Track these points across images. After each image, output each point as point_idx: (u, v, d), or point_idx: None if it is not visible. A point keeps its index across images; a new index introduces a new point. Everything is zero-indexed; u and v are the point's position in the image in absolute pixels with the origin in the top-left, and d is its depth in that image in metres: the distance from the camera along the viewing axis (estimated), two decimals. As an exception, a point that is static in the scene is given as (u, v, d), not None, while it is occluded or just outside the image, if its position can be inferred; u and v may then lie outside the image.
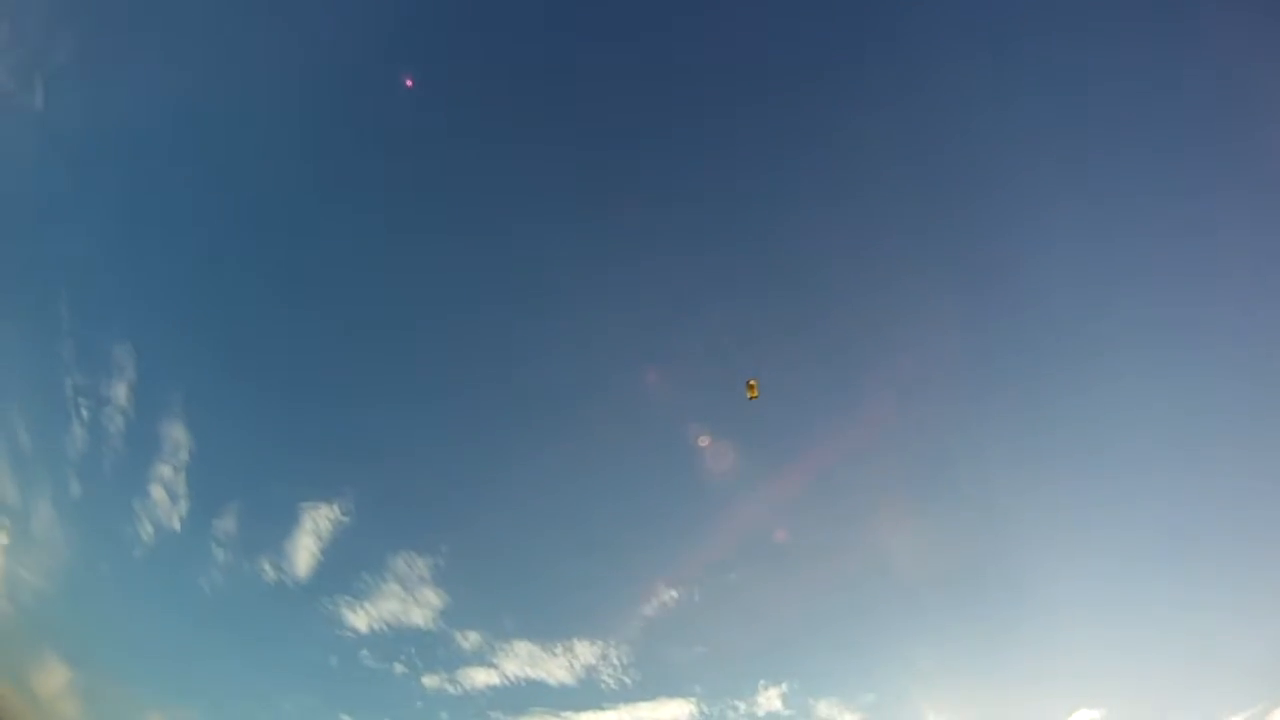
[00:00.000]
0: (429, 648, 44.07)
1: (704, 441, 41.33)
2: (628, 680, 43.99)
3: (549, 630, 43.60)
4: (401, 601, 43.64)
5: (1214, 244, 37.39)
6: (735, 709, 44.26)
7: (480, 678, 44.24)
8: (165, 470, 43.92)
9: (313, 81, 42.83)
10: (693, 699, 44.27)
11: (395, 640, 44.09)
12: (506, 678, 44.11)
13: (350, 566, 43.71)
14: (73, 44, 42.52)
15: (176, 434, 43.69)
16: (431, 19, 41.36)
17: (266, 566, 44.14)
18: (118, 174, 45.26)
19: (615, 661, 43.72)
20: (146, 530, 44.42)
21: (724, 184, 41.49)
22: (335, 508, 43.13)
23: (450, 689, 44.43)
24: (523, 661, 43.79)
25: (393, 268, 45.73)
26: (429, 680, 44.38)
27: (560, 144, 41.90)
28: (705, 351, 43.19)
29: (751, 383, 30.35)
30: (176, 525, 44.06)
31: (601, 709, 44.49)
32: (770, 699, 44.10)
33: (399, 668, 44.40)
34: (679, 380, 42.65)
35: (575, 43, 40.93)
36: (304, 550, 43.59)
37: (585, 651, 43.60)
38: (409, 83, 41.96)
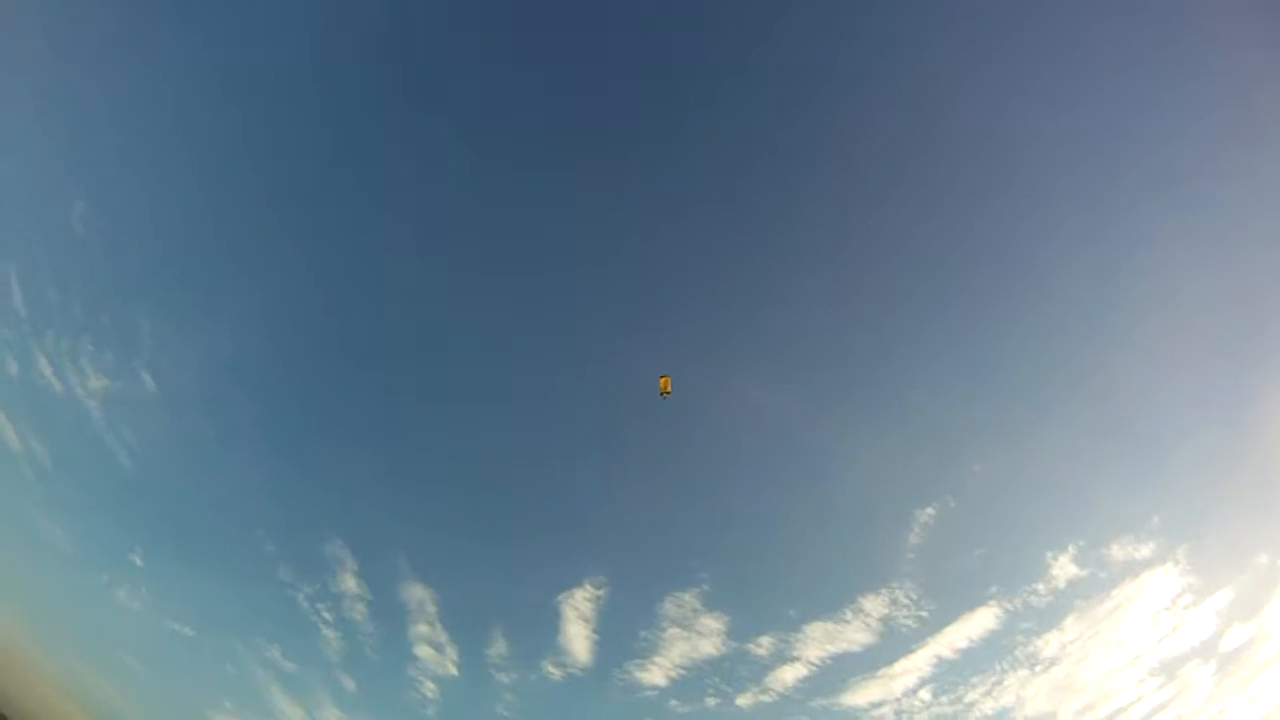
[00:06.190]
0: (730, 670, 44.53)
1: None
2: (924, 614, 43.48)
3: (832, 601, 43.38)
4: (686, 640, 44.25)
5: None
6: (1036, 592, 43.31)
7: (788, 676, 44.41)
8: (422, 629, 45.63)
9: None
10: (991, 603, 43.42)
11: (696, 678, 44.72)
12: (812, 664, 44.15)
13: (626, 631, 44.54)
14: (149, 324, 45.15)
15: (416, 593, 45.37)
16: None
17: (550, 668, 45.33)
18: (236, 406, 47.51)
19: (905, 601, 43.31)
20: (430, 689, 46.18)
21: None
22: (588, 586, 44.02)
23: (766, 699, 44.76)
24: (820, 642, 43.72)
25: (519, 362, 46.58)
26: (743, 700, 44.79)
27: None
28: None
29: (664, 380, 30.40)
30: (454, 671, 45.70)
31: (910, 652, 44.12)
32: (1064, 567, 42.95)
33: (711, 701, 44.96)
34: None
35: (580, 43, 41.10)
36: (577, 638, 44.58)
37: (873, 605, 43.27)
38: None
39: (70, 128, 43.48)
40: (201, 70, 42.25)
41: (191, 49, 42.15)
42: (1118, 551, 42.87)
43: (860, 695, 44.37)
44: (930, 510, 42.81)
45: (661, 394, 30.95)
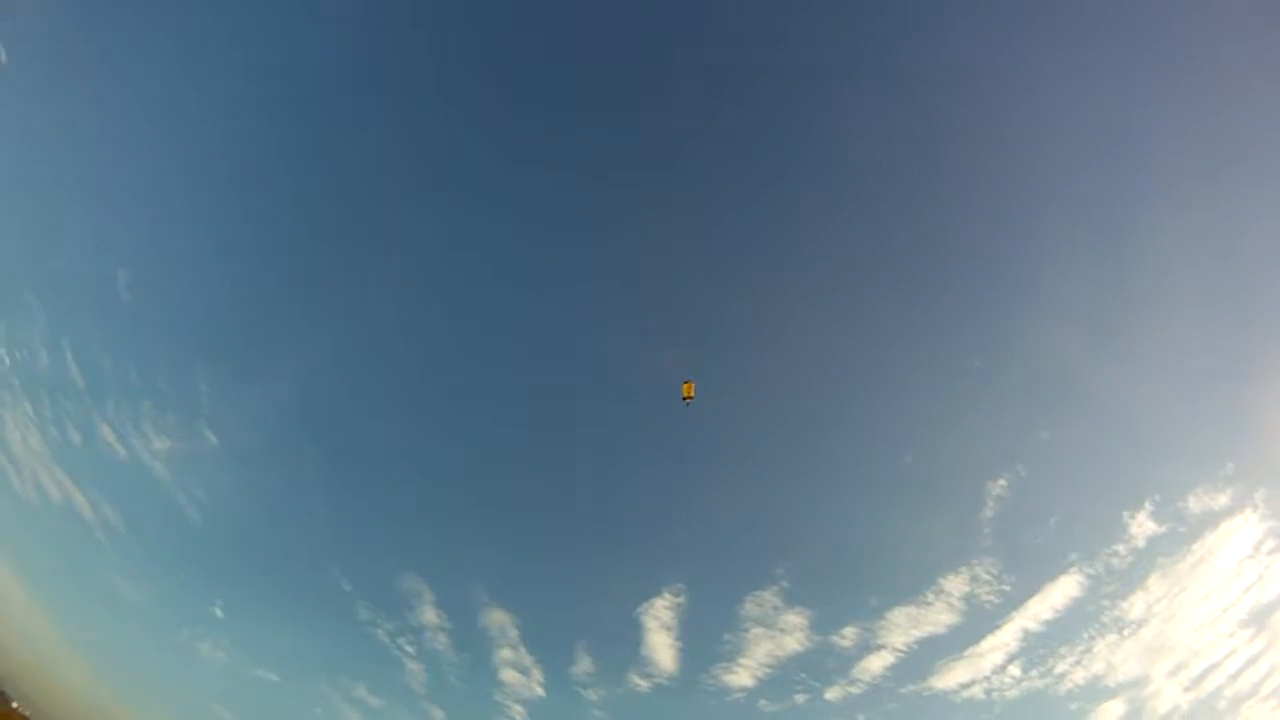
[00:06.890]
0: (816, 664, 44.40)
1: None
2: (1006, 588, 43.09)
3: (912, 585, 43.20)
4: (770, 639, 44.20)
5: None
6: (1116, 554, 42.84)
7: (875, 665, 44.17)
8: (505, 653, 45.95)
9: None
10: (1073, 569, 42.95)
11: (783, 675, 44.63)
12: (898, 650, 43.90)
13: (709, 636, 44.69)
14: (206, 381, 46.23)
15: (496, 618, 45.77)
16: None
17: (636, 680, 45.43)
18: (299, 451, 48.18)
19: (986, 577, 42.95)
20: (518, 711, 46.47)
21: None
22: (667, 595, 44.22)
23: (854, 690, 44.50)
24: (905, 627, 43.49)
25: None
26: (832, 694, 44.56)
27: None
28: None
29: (688, 384, 30.25)
30: (541, 692, 45.98)
31: (996, 628, 43.69)
32: (1141, 525, 42.46)
33: (799, 698, 44.79)
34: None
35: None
36: (661, 647, 44.68)
37: (954, 584, 42.97)
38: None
39: (101, 199, 44.56)
40: (237, 118, 43.10)
41: (222, 99, 43.02)
42: (1194, 503, 42.26)
43: (949, 677, 44.16)
44: (1002, 482, 42.69)
45: (684, 399, 30.85)
